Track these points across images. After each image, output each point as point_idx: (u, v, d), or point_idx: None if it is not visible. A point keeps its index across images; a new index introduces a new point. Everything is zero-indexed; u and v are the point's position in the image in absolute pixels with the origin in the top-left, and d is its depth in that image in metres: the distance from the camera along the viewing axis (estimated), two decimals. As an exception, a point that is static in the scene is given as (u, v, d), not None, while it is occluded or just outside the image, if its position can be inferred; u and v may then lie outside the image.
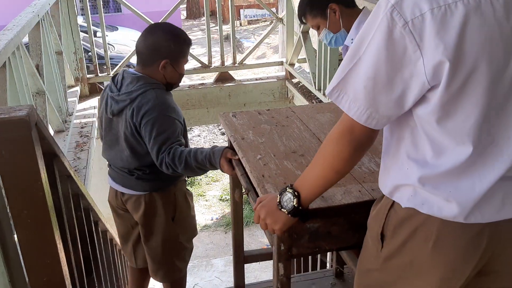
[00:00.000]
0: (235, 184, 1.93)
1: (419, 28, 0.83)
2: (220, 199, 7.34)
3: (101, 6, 4.10)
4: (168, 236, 2.13)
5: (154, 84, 1.92)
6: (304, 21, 2.03)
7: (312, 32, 3.95)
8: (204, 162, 1.81)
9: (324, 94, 3.54)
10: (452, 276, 1.04)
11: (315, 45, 3.90)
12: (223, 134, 9.68)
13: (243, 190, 1.64)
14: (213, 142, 9.34)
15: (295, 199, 1.11)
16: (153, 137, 1.85)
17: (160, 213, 2.08)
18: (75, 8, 3.94)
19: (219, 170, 1.88)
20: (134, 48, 2.03)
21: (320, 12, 1.98)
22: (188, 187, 2.31)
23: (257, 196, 1.37)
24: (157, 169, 1.96)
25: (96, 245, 2.08)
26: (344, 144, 0.98)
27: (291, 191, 1.12)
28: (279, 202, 1.14)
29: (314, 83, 3.77)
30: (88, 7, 4.06)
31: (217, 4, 4.33)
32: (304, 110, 1.87)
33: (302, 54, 4.31)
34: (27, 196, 1.12)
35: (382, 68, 0.87)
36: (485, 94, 0.87)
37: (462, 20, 0.82)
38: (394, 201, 1.06)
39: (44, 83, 2.65)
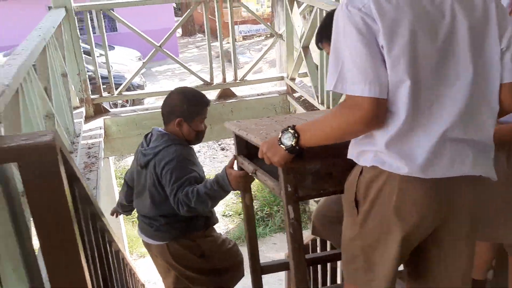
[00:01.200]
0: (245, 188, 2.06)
1: (369, 10, 1.08)
2: (223, 215, 7.33)
3: (103, 26, 4.14)
4: (203, 272, 2.28)
5: (175, 140, 2.16)
6: (321, 47, 2.00)
7: (313, 48, 4.00)
8: (212, 185, 1.98)
9: (328, 107, 3.58)
10: (414, 230, 1.20)
11: (315, 59, 3.95)
12: (222, 149, 9.70)
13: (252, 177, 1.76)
14: (213, 158, 9.36)
15: (294, 139, 1.28)
16: (171, 183, 2.05)
17: (185, 256, 2.25)
18: (77, 30, 3.97)
19: None
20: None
21: None
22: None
23: (266, 172, 1.60)
24: (172, 220, 2.18)
25: (111, 266, 2.08)
26: (353, 121, 1.13)
27: (292, 131, 1.28)
28: (280, 139, 1.32)
29: (317, 96, 3.81)
30: (90, 29, 4.09)
31: (217, 22, 4.38)
32: (303, 114, 1.99)
33: (302, 69, 4.37)
34: (54, 220, 1.13)
35: (360, 46, 1.08)
36: (415, 64, 1.09)
37: (394, 7, 1.08)
38: (362, 168, 1.23)
39: (53, 106, 2.67)
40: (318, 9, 3.53)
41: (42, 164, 1.08)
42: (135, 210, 2.51)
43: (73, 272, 1.20)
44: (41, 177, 1.09)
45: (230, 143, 9.75)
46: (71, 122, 3.28)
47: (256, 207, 6.82)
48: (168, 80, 14.07)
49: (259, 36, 17.14)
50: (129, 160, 9.02)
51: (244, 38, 17.10)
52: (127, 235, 6.05)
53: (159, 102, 9.43)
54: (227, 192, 1.98)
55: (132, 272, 3.32)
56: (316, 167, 1.44)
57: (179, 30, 19.68)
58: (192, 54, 17.00)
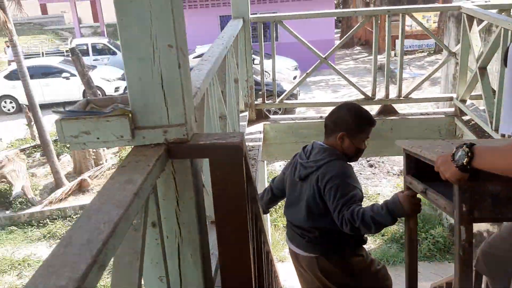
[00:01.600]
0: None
1: None
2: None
3: (274, 37, 4.38)
4: None
5: (337, 155, 2.16)
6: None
7: (492, 69, 3.66)
8: (379, 209, 1.93)
9: (502, 136, 3.23)
10: None
11: (492, 83, 3.61)
12: (371, 166, 9.45)
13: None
14: (360, 173, 9.17)
15: (466, 159, 1.23)
16: (336, 199, 2.04)
17: (334, 272, 2.23)
18: (251, 40, 4.26)
19: None
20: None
21: None
22: None
23: (436, 192, 1.59)
24: (325, 233, 2.18)
25: (263, 265, 2.18)
26: None
27: (466, 150, 1.23)
28: (453, 154, 1.29)
29: (491, 122, 3.47)
30: (262, 39, 4.35)
31: (386, 36, 4.29)
32: (485, 140, 1.84)
33: (475, 91, 4.02)
34: (233, 215, 1.23)
35: None
36: None
37: None
38: None
39: (226, 108, 2.91)
40: (503, 29, 3.22)
41: (230, 162, 1.19)
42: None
43: (242, 264, 1.29)
44: (227, 173, 1.19)
45: (380, 160, 9.44)
46: (237, 125, 3.53)
47: (401, 231, 6.49)
48: (321, 90, 14.22)
49: (421, 52, 16.31)
50: (276, 165, 9.34)
51: (405, 53, 16.43)
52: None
53: (310, 112, 9.62)
54: (393, 219, 1.92)
55: (276, 275, 3.43)
56: (497, 189, 1.37)
57: (337, 42, 19.76)
58: (348, 66, 16.92)
